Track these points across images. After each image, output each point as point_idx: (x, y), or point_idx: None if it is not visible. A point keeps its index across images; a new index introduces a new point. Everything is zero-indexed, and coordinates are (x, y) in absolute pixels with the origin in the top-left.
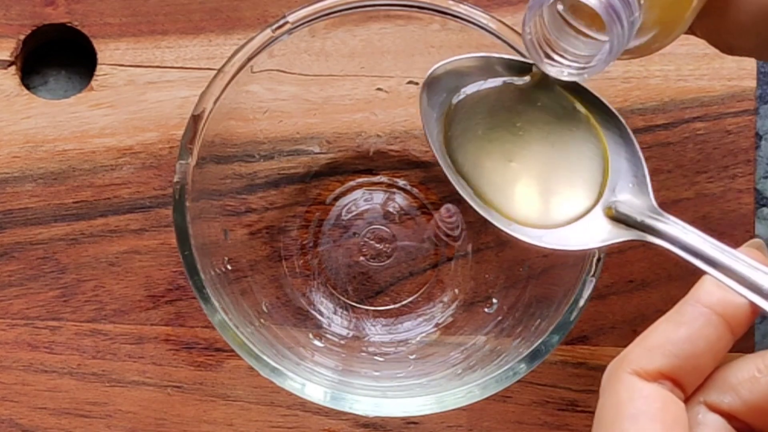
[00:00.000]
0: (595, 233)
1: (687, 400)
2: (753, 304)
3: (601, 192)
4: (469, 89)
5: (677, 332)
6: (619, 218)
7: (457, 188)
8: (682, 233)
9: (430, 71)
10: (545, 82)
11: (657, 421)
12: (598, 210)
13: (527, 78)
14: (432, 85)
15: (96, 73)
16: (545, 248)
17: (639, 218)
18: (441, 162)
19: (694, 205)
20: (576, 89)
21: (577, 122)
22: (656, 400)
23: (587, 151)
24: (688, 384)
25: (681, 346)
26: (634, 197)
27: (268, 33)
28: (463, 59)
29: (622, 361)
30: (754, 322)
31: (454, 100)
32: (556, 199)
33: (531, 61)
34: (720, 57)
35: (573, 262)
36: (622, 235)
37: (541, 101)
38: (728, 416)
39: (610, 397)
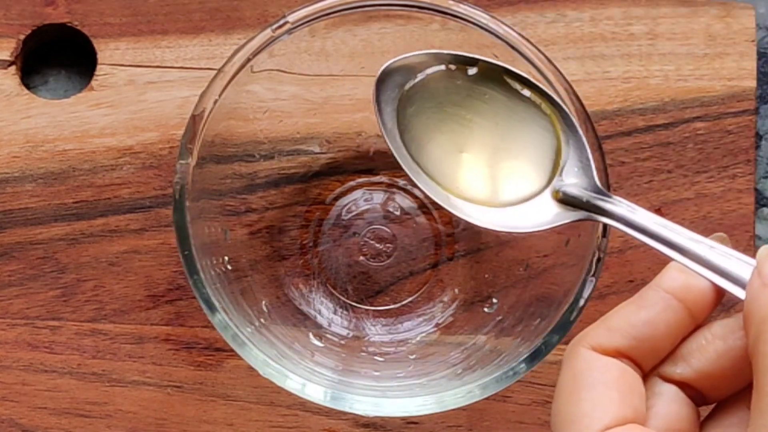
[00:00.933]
0: (544, 216)
1: (644, 377)
2: (715, 288)
3: (551, 177)
4: (419, 84)
5: (638, 315)
6: (566, 200)
7: (414, 179)
8: (627, 211)
9: (382, 68)
10: (492, 74)
11: (613, 389)
12: (547, 194)
13: (475, 70)
14: (384, 81)
15: (96, 72)
16: (496, 230)
17: (585, 198)
18: (396, 155)
19: (695, 205)
20: (521, 80)
21: (525, 111)
22: (612, 370)
23: (536, 138)
24: (645, 364)
25: (640, 329)
26: (580, 180)
27: (268, 33)
28: (412, 56)
29: (582, 338)
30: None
31: (405, 95)
32: (505, 184)
33: (478, 56)
34: (720, 57)
35: (573, 262)
36: (570, 216)
37: (489, 93)
38: (681, 385)
39: (568, 370)
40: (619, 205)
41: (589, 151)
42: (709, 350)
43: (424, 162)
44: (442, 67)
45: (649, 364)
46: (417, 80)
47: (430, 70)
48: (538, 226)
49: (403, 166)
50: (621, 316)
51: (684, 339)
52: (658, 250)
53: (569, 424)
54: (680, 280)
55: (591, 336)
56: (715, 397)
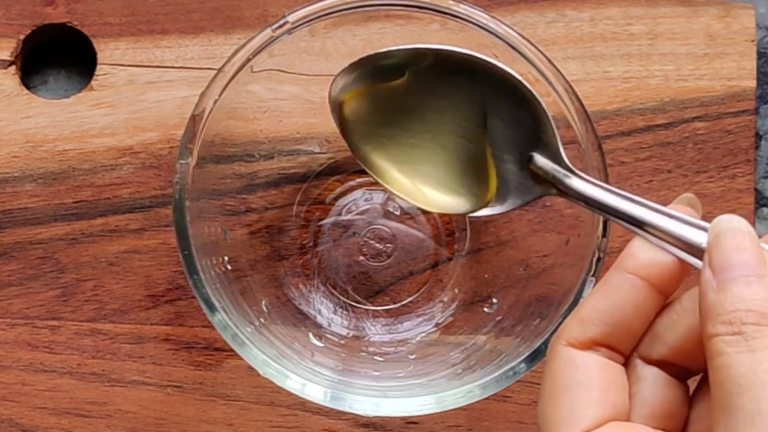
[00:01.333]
0: (516, 193)
1: (626, 361)
2: (680, 261)
3: (521, 153)
4: (378, 88)
5: (605, 301)
6: (535, 172)
7: (382, 182)
8: (590, 188)
9: (331, 88)
10: (453, 61)
11: (592, 388)
12: (518, 168)
13: (423, 64)
14: (336, 101)
15: (96, 72)
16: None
17: (551, 173)
18: (364, 166)
19: None
20: (473, 62)
21: (484, 92)
22: (589, 367)
23: (504, 117)
24: (623, 348)
25: (610, 314)
26: (545, 152)
27: (268, 33)
28: (349, 68)
29: (558, 335)
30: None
31: (362, 99)
32: (475, 169)
33: (428, 46)
34: (720, 57)
35: (573, 261)
36: (537, 191)
37: (452, 78)
38: (662, 364)
39: (549, 371)
40: (574, 179)
41: (552, 120)
42: (680, 325)
43: (389, 163)
44: (396, 63)
45: (628, 346)
46: (375, 82)
47: (382, 74)
48: (510, 205)
49: (372, 175)
50: (590, 305)
51: (658, 315)
52: (620, 225)
53: (550, 429)
54: (642, 259)
55: (566, 331)
56: (699, 368)
